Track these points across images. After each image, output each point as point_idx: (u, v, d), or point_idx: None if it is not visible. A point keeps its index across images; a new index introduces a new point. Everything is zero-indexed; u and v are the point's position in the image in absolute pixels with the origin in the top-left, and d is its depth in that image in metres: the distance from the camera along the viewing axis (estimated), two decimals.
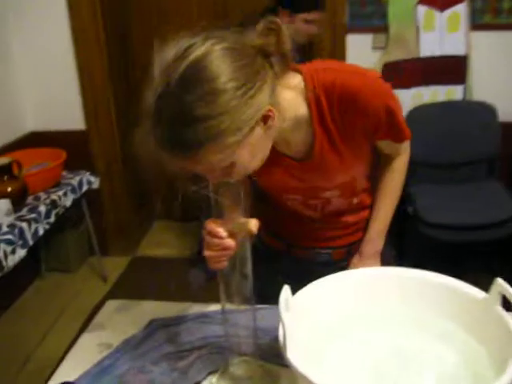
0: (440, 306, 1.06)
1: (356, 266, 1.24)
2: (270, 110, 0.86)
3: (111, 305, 1.37)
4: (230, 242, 0.91)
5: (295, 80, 0.98)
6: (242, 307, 1.03)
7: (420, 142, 2.78)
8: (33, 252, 2.70)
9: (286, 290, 0.95)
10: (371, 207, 1.25)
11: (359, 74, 1.01)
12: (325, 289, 1.06)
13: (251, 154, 0.88)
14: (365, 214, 1.26)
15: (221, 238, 0.91)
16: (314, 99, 0.99)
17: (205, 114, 0.78)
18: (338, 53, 2.69)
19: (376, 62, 2.68)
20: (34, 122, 3.01)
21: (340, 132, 1.02)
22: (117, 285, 2.95)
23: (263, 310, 1.16)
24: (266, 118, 0.87)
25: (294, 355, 0.85)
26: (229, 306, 1.03)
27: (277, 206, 1.22)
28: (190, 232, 3.33)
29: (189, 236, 3.32)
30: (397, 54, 2.67)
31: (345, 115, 0.99)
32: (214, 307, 1.29)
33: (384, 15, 2.63)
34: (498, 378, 0.78)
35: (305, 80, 0.98)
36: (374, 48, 2.70)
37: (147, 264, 3.09)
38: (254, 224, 0.94)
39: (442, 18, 2.60)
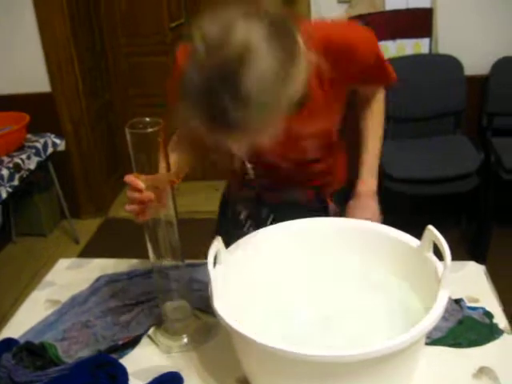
0: (379, 255, 1.08)
1: (354, 206, 1.26)
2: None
3: (63, 263, 1.38)
4: (149, 195, 0.91)
5: None
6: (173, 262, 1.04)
7: (387, 96, 2.78)
8: (3, 218, 2.68)
9: (217, 241, 0.96)
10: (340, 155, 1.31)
11: (350, 26, 1.10)
12: (262, 240, 1.07)
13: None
14: (333, 160, 1.30)
15: (140, 191, 0.90)
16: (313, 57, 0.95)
17: (258, 103, 0.77)
18: (302, 5, 2.64)
19: (341, 15, 2.64)
20: None
21: (332, 78, 1.04)
22: (88, 246, 2.95)
23: (201, 265, 1.17)
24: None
25: (220, 305, 0.87)
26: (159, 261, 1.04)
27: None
28: None
29: None
30: (362, 8, 2.64)
31: (338, 64, 1.01)
32: (165, 263, 1.30)
33: None
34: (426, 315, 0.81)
35: (303, 38, 0.91)
36: (340, 1, 2.67)
37: (118, 225, 3.08)
38: (175, 176, 0.96)
39: None
